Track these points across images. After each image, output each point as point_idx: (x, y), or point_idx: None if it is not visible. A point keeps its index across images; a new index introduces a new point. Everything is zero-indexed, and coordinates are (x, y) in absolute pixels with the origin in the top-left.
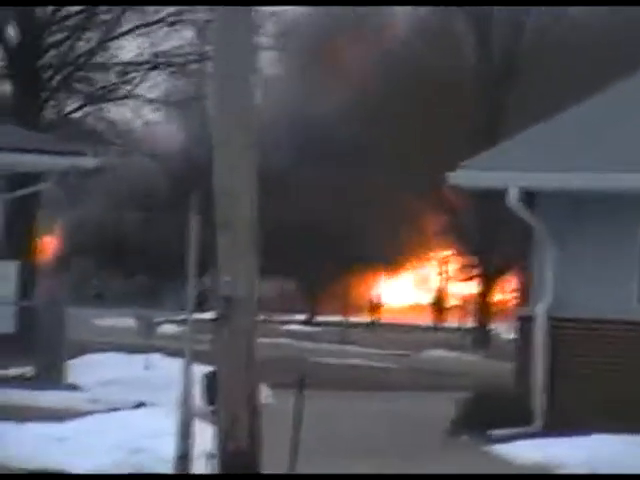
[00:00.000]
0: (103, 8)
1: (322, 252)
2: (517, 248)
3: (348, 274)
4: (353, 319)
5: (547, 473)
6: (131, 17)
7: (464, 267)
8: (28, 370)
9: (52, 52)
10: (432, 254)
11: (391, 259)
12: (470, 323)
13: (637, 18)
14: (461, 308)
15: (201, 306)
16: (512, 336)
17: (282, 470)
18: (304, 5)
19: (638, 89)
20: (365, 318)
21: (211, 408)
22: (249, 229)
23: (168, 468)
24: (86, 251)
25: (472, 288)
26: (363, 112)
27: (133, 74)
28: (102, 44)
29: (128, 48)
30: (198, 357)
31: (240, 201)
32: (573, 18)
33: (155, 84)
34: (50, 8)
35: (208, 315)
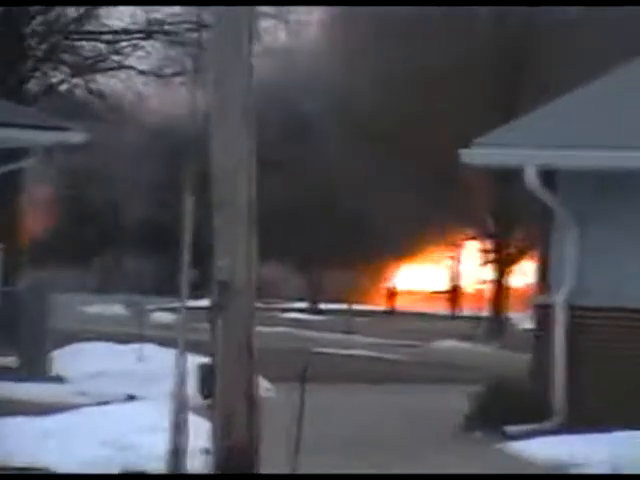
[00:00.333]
0: None
1: (327, 235)
2: (535, 231)
3: (355, 259)
4: (359, 307)
5: (566, 473)
6: None
7: (479, 252)
8: (11, 361)
9: (38, 19)
10: (447, 238)
11: (403, 243)
12: (485, 312)
13: None
14: (476, 296)
15: (196, 292)
16: (529, 325)
17: (282, 468)
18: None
19: None
20: (373, 306)
21: (206, 402)
22: (247, 209)
23: (160, 465)
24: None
25: (487, 274)
26: (379, 89)
27: (124, 43)
28: (91, 11)
29: (119, 15)
30: (193, 347)
31: (237, 179)
32: None
33: (148, 54)
34: None
35: (203, 302)
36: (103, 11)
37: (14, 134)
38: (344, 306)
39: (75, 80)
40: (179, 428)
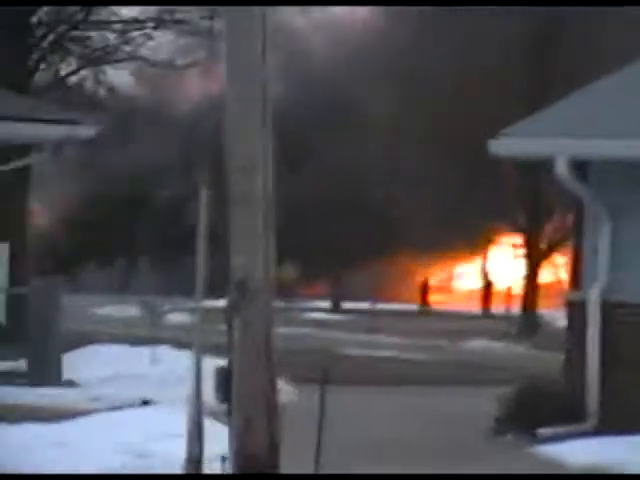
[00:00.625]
0: None
1: (351, 231)
2: (567, 225)
3: (380, 257)
4: (384, 306)
5: (605, 474)
6: None
7: (510, 247)
8: (21, 365)
9: (44, 8)
10: (477, 234)
11: (431, 240)
12: (516, 309)
13: None
14: (507, 293)
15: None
16: (562, 323)
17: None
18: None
19: None
20: (399, 304)
21: (224, 406)
22: (264, 206)
23: (178, 472)
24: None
25: (519, 270)
26: (407, 82)
27: (135, 33)
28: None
29: (129, 4)
30: (210, 350)
31: (254, 174)
32: None
33: (160, 45)
34: None
35: (220, 303)
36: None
37: (21, 129)
38: (368, 305)
39: (84, 72)
40: (196, 435)
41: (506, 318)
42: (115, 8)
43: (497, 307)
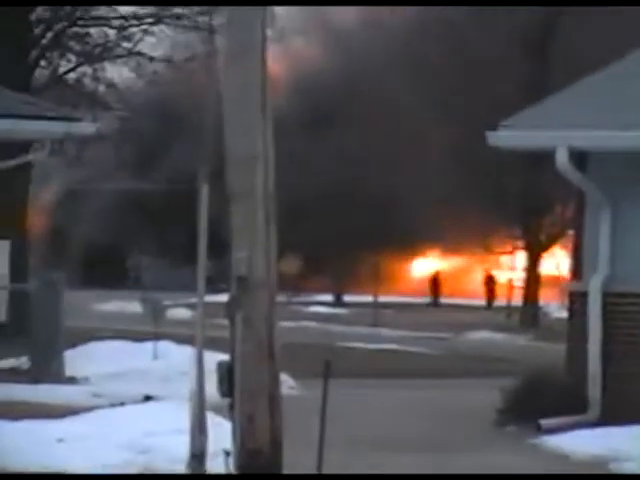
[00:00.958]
0: None
1: (351, 225)
2: (567, 216)
3: (380, 249)
4: (386, 299)
5: (606, 474)
6: None
7: (509, 239)
8: (23, 362)
9: (43, 5)
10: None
11: (433, 232)
12: (517, 301)
13: None
14: (509, 285)
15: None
16: (563, 314)
17: (307, 469)
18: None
19: None
20: (401, 297)
21: (227, 401)
22: (265, 200)
23: (181, 468)
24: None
25: (519, 262)
26: (403, 69)
27: (134, 29)
28: None
29: (127, 4)
30: (212, 344)
31: (254, 169)
32: None
33: (158, 40)
34: None
35: (222, 297)
36: None
37: (22, 126)
38: (370, 298)
39: (83, 69)
40: (199, 430)
41: (507, 310)
42: (114, 4)
43: (498, 299)
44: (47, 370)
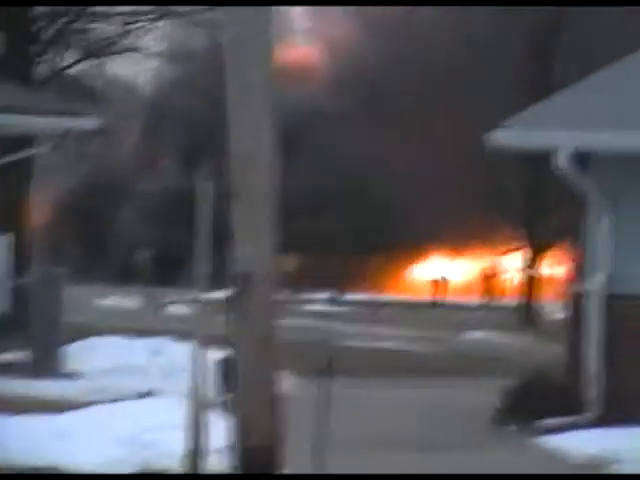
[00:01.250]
0: None
1: (353, 223)
2: (568, 217)
3: (382, 248)
4: (385, 297)
5: (605, 474)
6: None
7: (509, 239)
8: (23, 356)
9: (43, 5)
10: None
11: (432, 232)
12: (516, 301)
13: None
14: (509, 285)
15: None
16: (562, 315)
17: (306, 469)
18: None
19: None
20: (400, 296)
21: (226, 398)
22: (266, 197)
23: (178, 465)
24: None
25: (518, 262)
26: (410, 71)
27: (136, 24)
28: None
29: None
30: (211, 341)
31: (256, 166)
32: None
33: (161, 36)
34: None
35: (222, 294)
36: None
37: (23, 121)
38: (370, 297)
39: (85, 63)
40: (197, 426)
41: (507, 310)
42: None
43: (499, 299)
44: (46, 365)
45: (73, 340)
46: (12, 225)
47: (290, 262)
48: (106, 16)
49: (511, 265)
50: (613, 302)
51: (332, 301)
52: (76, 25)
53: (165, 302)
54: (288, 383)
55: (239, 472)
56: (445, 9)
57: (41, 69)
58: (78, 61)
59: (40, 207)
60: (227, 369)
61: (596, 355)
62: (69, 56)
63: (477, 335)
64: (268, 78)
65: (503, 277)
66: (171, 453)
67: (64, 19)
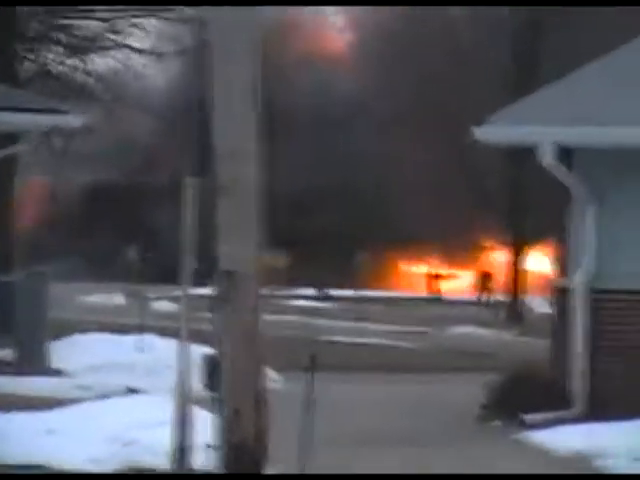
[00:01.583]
0: None
1: (340, 220)
2: (552, 212)
3: (368, 245)
4: (370, 293)
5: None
6: None
7: (495, 235)
8: (7, 354)
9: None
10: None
11: (418, 228)
12: (501, 296)
13: None
14: (492, 280)
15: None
16: (547, 310)
17: (291, 465)
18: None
19: None
20: (387, 292)
21: (211, 395)
22: (252, 194)
23: (165, 461)
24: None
25: (503, 257)
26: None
27: (122, 21)
28: None
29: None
30: (196, 337)
31: (242, 163)
32: None
33: (147, 33)
34: None
35: (208, 290)
36: None
37: (7, 118)
38: (357, 293)
39: (71, 61)
40: (183, 423)
41: (492, 305)
42: None
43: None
44: (32, 362)
45: (58, 337)
46: None
47: (277, 259)
48: (92, 12)
49: (498, 260)
50: (598, 297)
51: (318, 297)
52: (61, 22)
53: (150, 298)
54: (272, 379)
55: (224, 468)
56: (432, 10)
57: (26, 66)
58: (63, 59)
59: (24, 204)
60: (213, 366)
61: (581, 350)
62: (55, 53)
63: (464, 330)
64: (256, 76)
65: (496, 273)
66: (157, 450)
67: (50, 16)
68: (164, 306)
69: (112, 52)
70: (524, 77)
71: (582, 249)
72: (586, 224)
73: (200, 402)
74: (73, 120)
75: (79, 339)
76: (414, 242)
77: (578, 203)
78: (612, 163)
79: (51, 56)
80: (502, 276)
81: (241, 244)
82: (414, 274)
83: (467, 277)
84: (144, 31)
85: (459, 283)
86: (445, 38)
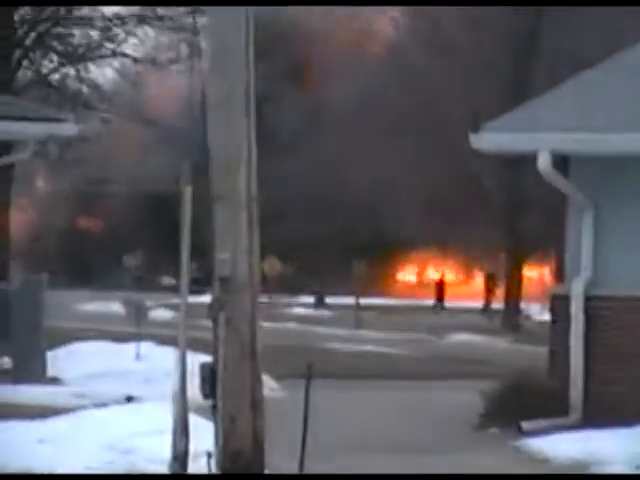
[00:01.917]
0: None
1: (334, 227)
2: (549, 220)
3: (362, 252)
4: (369, 301)
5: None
6: None
7: (493, 242)
8: (5, 362)
9: (26, 5)
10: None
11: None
12: (499, 304)
13: None
14: (491, 287)
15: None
16: (544, 317)
17: (288, 471)
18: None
19: None
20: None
21: (209, 403)
22: (248, 202)
23: (163, 469)
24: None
25: (502, 265)
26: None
27: (117, 30)
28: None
29: (113, 4)
30: (194, 346)
31: (238, 170)
32: None
33: (142, 41)
34: None
35: (205, 299)
36: None
37: (4, 127)
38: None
39: (66, 69)
40: (181, 431)
41: (489, 312)
42: (97, 5)
43: (482, 302)
44: (29, 370)
45: (55, 345)
46: None
47: (275, 266)
48: (87, 21)
49: (498, 267)
50: (595, 304)
51: (316, 305)
52: (57, 30)
53: (148, 307)
54: (270, 386)
55: (225, 474)
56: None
57: (22, 75)
58: (59, 67)
59: (21, 212)
60: (211, 374)
61: (579, 357)
62: (51, 61)
63: (460, 338)
64: (249, 83)
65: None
66: (155, 458)
67: (45, 24)
68: (162, 314)
69: (108, 60)
70: (520, 82)
71: (579, 256)
72: (583, 231)
73: (198, 410)
74: (69, 128)
75: (77, 347)
76: (412, 249)
77: (575, 210)
78: (609, 170)
79: (47, 64)
80: (501, 282)
81: (237, 251)
82: (413, 281)
83: (474, 283)
84: (139, 39)
85: (465, 289)
86: (441, 42)
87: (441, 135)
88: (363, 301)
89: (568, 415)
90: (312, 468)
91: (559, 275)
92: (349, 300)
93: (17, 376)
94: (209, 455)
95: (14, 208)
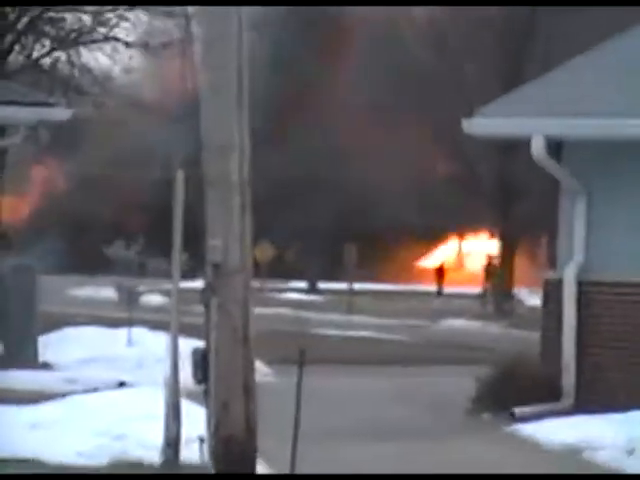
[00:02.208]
0: None
1: (326, 211)
2: (542, 204)
3: (354, 236)
4: (362, 286)
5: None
6: None
7: (484, 227)
8: None
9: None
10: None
11: (408, 220)
12: (490, 289)
13: None
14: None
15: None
16: (537, 302)
17: (280, 458)
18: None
19: None
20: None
21: (201, 388)
22: (240, 187)
23: (155, 454)
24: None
25: (494, 250)
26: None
27: (109, 14)
28: None
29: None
30: (186, 331)
31: (230, 156)
32: None
33: (134, 26)
34: None
35: (197, 284)
36: None
37: None
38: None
39: (58, 54)
40: (174, 416)
41: (481, 298)
42: None
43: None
44: (21, 356)
45: (47, 331)
46: None
47: (267, 252)
48: (79, 5)
49: (486, 253)
50: (587, 289)
51: (308, 290)
52: (49, 15)
53: (140, 292)
54: (262, 372)
55: (214, 461)
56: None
57: (14, 59)
58: (51, 51)
59: (14, 197)
60: (203, 359)
61: (571, 342)
62: (42, 46)
63: (454, 323)
64: (241, 69)
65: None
66: (147, 443)
67: (37, 9)
68: (154, 299)
69: (100, 45)
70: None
71: (572, 241)
72: (576, 216)
73: (190, 395)
74: (60, 113)
75: (69, 332)
76: (405, 233)
77: (568, 195)
78: (602, 155)
79: (39, 49)
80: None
81: (229, 237)
82: (411, 266)
83: (472, 269)
84: (131, 24)
85: (464, 275)
86: (434, 30)
87: (435, 122)
88: (357, 286)
89: (560, 400)
90: (304, 453)
91: (552, 260)
92: (342, 285)
93: (8, 361)
94: (201, 440)
95: (8, 194)
